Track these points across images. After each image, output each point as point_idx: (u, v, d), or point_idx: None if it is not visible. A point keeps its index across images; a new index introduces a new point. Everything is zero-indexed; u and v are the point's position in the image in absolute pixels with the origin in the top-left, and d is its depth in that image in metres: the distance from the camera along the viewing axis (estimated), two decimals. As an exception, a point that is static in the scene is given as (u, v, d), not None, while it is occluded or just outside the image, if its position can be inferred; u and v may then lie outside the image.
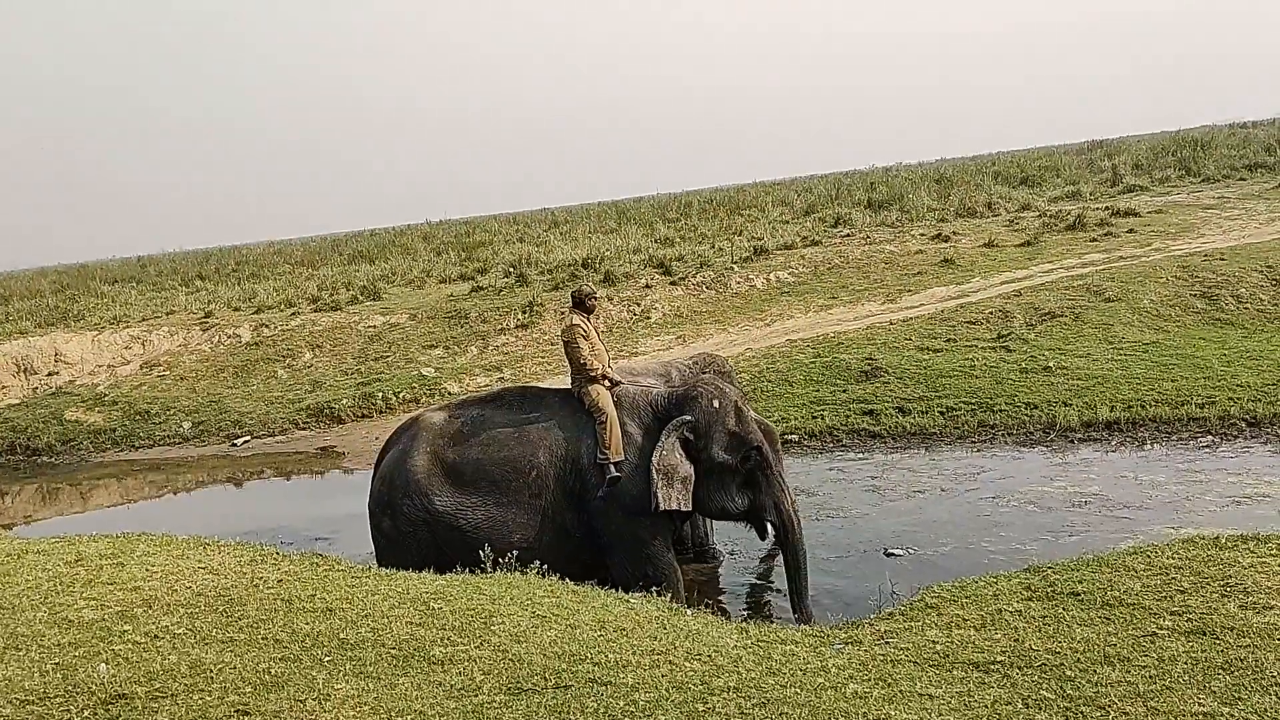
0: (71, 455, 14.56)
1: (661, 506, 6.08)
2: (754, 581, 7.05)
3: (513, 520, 6.30)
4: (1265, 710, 3.52)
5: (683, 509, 6.25)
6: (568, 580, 5.52)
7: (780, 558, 6.59)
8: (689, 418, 6.25)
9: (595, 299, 7.01)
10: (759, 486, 6.32)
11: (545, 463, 6.38)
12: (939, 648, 4.35)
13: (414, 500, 6.38)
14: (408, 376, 14.77)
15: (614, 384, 6.53)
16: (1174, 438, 8.93)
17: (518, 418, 6.59)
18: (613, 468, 6.19)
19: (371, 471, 7.10)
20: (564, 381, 7.00)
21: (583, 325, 6.68)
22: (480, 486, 6.37)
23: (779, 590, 6.70)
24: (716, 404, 6.29)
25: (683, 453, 6.21)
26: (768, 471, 6.29)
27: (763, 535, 6.72)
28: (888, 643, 4.54)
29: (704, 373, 6.93)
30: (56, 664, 4.10)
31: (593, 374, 6.47)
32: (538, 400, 6.76)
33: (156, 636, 4.38)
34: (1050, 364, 10.84)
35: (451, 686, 3.95)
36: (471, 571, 5.71)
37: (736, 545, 7.52)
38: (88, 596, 4.92)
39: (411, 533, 6.40)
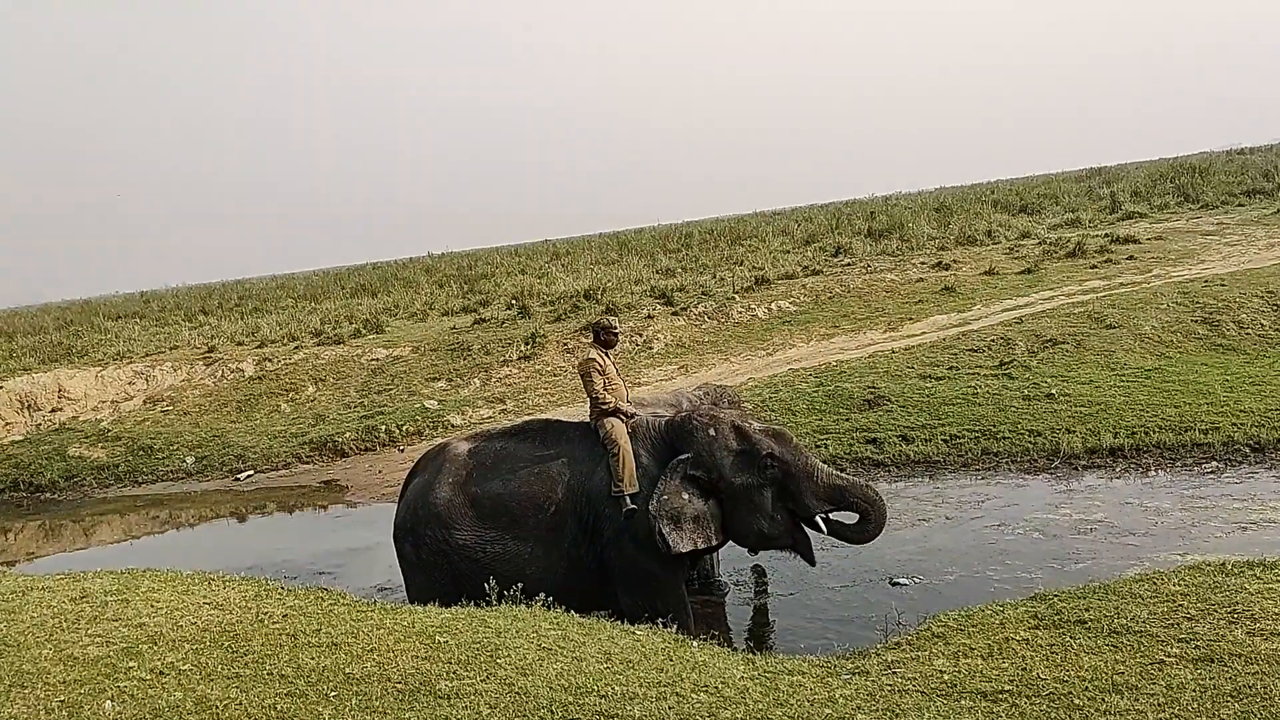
0: (75, 491, 14.55)
1: (674, 550, 6.01)
2: (760, 613, 7.02)
3: (529, 554, 6.30)
4: (1275, 738, 3.51)
5: (699, 548, 6.19)
6: (574, 613, 5.51)
7: (783, 587, 6.56)
8: (688, 455, 6.20)
9: (614, 333, 6.98)
10: (790, 490, 6.20)
11: (563, 498, 6.36)
12: (946, 677, 4.34)
13: (435, 531, 6.41)
14: (411, 409, 14.78)
15: (629, 416, 6.52)
16: (1178, 464, 8.92)
17: (539, 452, 6.59)
18: (627, 500, 6.18)
19: (398, 496, 7.12)
20: (573, 413, 7.01)
21: (599, 359, 6.69)
22: (500, 521, 6.38)
23: (785, 621, 6.68)
24: (713, 432, 6.23)
25: (694, 490, 6.16)
26: (791, 469, 6.17)
27: (810, 560, 6.41)
28: (895, 672, 4.53)
29: (714, 404, 6.93)
30: (62, 701, 4.09)
31: (605, 407, 6.48)
32: (559, 434, 6.74)
33: (162, 673, 4.37)
34: (1053, 391, 10.84)
35: (458, 721, 3.94)
36: (477, 604, 5.70)
37: (742, 577, 7.50)
38: (93, 633, 4.91)
39: (432, 561, 6.44)
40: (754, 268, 19.90)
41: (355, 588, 7.21)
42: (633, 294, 18.77)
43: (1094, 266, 16.39)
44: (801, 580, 7.11)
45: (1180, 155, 34.99)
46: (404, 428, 14.09)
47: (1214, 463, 8.82)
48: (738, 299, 17.36)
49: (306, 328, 20.39)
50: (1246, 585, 4.82)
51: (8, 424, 16.97)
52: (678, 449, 6.28)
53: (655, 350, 15.94)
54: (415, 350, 17.43)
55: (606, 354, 6.82)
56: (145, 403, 17.31)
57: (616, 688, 4.26)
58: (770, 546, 6.62)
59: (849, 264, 19.31)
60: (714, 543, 6.31)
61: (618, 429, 6.36)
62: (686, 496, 6.11)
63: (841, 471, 6.61)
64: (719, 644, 5.50)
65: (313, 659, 4.53)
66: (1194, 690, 3.89)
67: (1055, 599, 5.08)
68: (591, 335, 7.05)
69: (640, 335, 16.35)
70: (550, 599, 5.71)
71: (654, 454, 6.34)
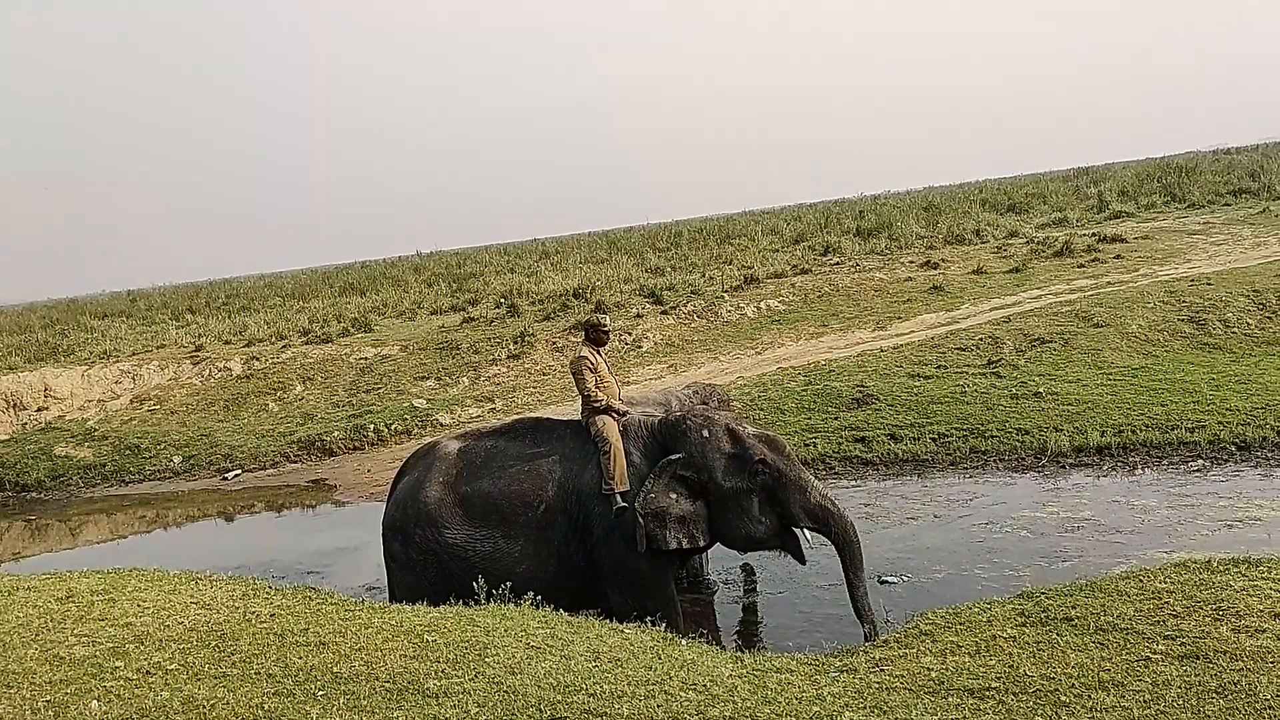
0: (61, 491, 14.48)
1: (654, 548, 6.02)
2: (748, 611, 7.03)
3: (519, 552, 6.30)
4: (1260, 734, 3.53)
5: (684, 548, 6.19)
6: (563, 611, 5.51)
7: (772, 585, 6.57)
8: (679, 455, 6.20)
9: (605, 330, 6.96)
10: (779, 498, 6.18)
11: (554, 496, 6.36)
12: (934, 674, 4.36)
13: (425, 530, 6.41)
14: (399, 408, 14.75)
15: (621, 415, 6.52)
16: (1164, 462, 8.96)
17: (529, 450, 6.58)
18: (618, 498, 6.18)
19: (386, 495, 7.10)
20: (562, 411, 6.99)
21: (590, 357, 6.69)
22: (490, 520, 6.37)
23: (773, 620, 6.69)
24: (707, 433, 6.22)
25: (682, 491, 6.14)
26: (782, 479, 6.15)
27: (801, 559, 6.36)
28: (883, 670, 4.54)
29: (705, 404, 6.93)
30: (48, 701, 4.07)
31: (597, 405, 6.47)
32: (549, 432, 6.73)
33: (149, 673, 4.35)
34: (1040, 389, 10.88)
35: (446, 719, 3.94)
36: (466, 603, 5.69)
37: (730, 575, 7.51)
38: (79, 633, 4.89)
39: (421, 560, 6.44)
40: (743, 267, 19.90)
41: (343, 587, 7.19)
42: (622, 293, 18.76)
43: (1081, 265, 16.44)
44: (790, 579, 7.12)
45: (1167, 155, 35.13)
46: (392, 426, 14.06)
47: (1200, 461, 8.86)
48: (727, 298, 17.37)
49: (294, 326, 20.33)
50: (1232, 583, 4.85)
51: (-7, 423, 16.88)
52: (670, 448, 6.28)
53: (644, 349, 15.94)
54: (404, 349, 17.39)
55: (598, 352, 6.82)
56: (132, 402, 17.23)
57: (605, 686, 4.26)
58: (757, 549, 6.64)
59: (838, 263, 19.33)
60: (700, 544, 6.31)
61: (609, 426, 6.36)
62: (674, 496, 6.11)
63: (831, 490, 6.55)
64: (707, 642, 5.51)
65: (300, 658, 4.52)
66: (1180, 687, 3.91)
67: (1042, 596, 5.10)
68: (583, 333, 7.04)
69: (629, 334, 16.35)
70: (540, 597, 5.71)
71: (645, 452, 6.34)
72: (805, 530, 6.25)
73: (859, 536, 6.12)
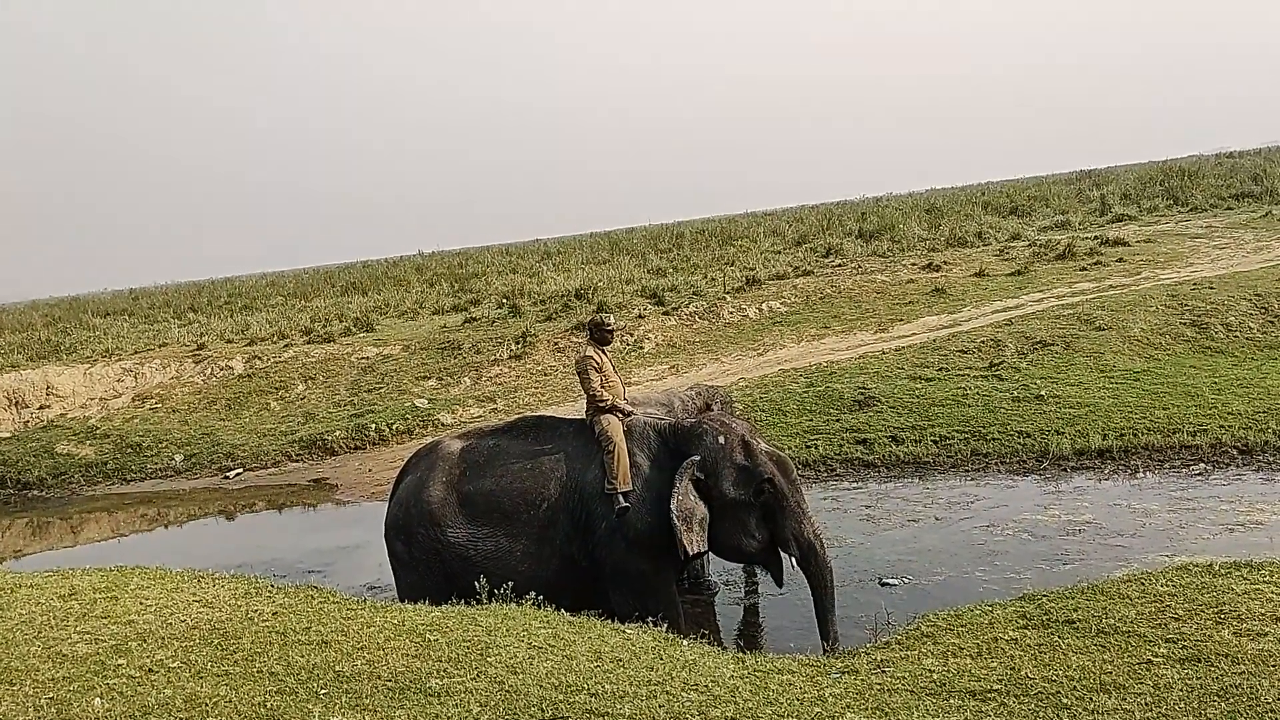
0: (63, 489, 14.49)
1: (690, 552, 6.02)
2: (749, 612, 7.04)
3: (522, 551, 6.30)
4: (1261, 737, 3.53)
5: (700, 550, 6.20)
6: (565, 611, 5.51)
7: (773, 586, 6.57)
8: (697, 457, 6.18)
9: (609, 330, 6.93)
10: (776, 520, 6.17)
11: (556, 494, 6.36)
12: (936, 676, 4.36)
13: (427, 530, 6.41)
14: (401, 408, 14.76)
15: (626, 414, 6.52)
16: (1166, 465, 8.97)
17: (532, 448, 6.58)
18: (620, 498, 6.17)
19: (388, 494, 7.10)
20: (564, 412, 6.97)
21: (596, 356, 6.68)
22: (492, 518, 6.37)
23: (775, 621, 6.70)
24: (722, 440, 6.21)
25: (696, 494, 6.17)
26: (783, 503, 6.14)
27: (779, 580, 6.38)
28: (884, 672, 4.54)
29: (709, 405, 6.92)
30: (50, 699, 4.07)
31: (602, 404, 6.47)
32: (552, 431, 6.73)
33: (151, 670, 4.36)
34: (1042, 392, 10.88)
35: (448, 719, 3.94)
36: (468, 602, 5.70)
37: (732, 576, 7.52)
38: (81, 630, 4.90)
39: (424, 559, 6.45)
40: (745, 268, 19.91)
41: (345, 586, 7.19)
42: (624, 294, 18.77)
43: (1083, 269, 16.43)
44: (791, 580, 7.10)
45: (1170, 158, 35.15)
46: (394, 426, 14.07)
47: (1202, 464, 8.86)
48: (729, 299, 17.37)
49: (296, 326, 20.35)
50: (1233, 586, 4.85)
51: (-5, 421, 16.89)
52: (682, 451, 6.26)
53: (646, 350, 15.94)
54: (405, 349, 17.40)
55: (603, 351, 6.82)
56: (134, 400, 17.24)
57: (607, 686, 4.26)
58: (743, 561, 6.65)
59: (840, 265, 19.33)
60: (705, 548, 6.32)
61: (614, 426, 6.35)
62: (693, 497, 6.11)
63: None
64: (709, 643, 5.51)
65: (302, 657, 4.52)
66: (1181, 690, 3.91)
67: (1044, 599, 5.10)
68: (587, 333, 7.04)
69: (631, 335, 16.35)
70: (542, 597, 5.72)
71: (650, 454, 6.33)
72: (791, 557, 6.25)
73: (834, 582, 6.11)
